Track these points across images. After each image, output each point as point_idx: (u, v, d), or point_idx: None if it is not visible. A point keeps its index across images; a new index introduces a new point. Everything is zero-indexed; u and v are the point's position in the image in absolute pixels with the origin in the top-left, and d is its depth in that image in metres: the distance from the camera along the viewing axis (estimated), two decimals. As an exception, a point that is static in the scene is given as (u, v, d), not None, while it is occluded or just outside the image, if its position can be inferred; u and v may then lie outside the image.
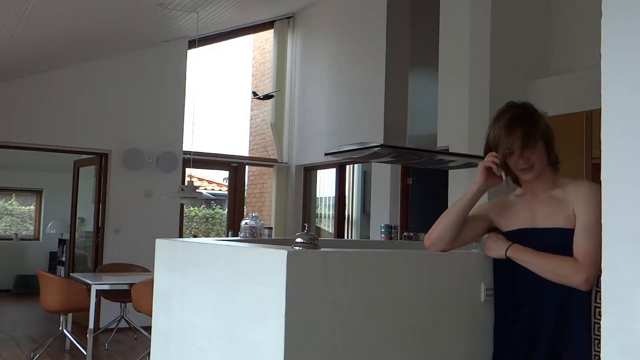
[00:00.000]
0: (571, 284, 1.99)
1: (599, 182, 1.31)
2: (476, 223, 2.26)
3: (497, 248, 2.16)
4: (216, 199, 14.31)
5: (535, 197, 2.17)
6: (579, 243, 1.99)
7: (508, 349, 2.15)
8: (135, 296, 5.43)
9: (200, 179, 14.23)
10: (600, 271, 1.91)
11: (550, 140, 2.15)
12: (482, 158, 2.22)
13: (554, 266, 2.04)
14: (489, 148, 2.20)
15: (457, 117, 5.18)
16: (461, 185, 5.02)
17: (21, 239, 11.83)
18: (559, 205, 2.08)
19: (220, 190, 14.42)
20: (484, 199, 2.38)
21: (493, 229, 2.27)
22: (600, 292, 1.95)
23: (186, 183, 7.65)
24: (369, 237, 6.99)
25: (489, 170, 2.18)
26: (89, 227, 8.10)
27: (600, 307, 1.93)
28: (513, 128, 2.11)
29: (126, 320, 6.51)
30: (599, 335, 1.92)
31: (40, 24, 5.70)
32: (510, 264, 2.14)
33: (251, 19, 8.56)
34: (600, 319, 1.93)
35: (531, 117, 2.15)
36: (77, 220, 8.58)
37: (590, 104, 4.01)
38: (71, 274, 7.09)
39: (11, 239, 11.73)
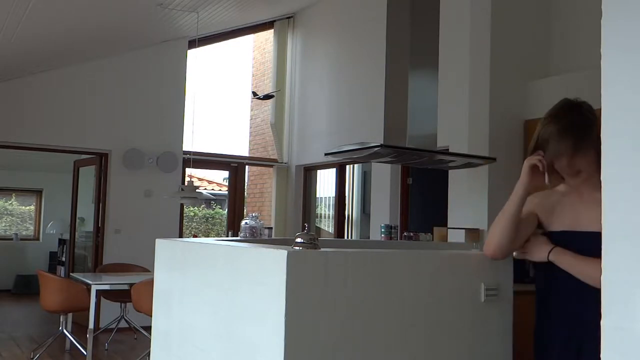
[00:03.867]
0: None
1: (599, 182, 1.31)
2: (528, 222, 2.19)
3: (540, 251, 2.13)
4: (216, 199, 14.31)
5: (580, 199, 2.12)
6: None
7: (549, 358, 2.12)
8: (135, 296, 5.42)
9: (200, 179, 14.23)
10: None
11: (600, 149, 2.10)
12: (482, 158, 2.23)
13: (593, 270, 2.00)
14: (536, 146, 2.14)
15: (457, 117, 5.18)
16: (461, 185, 5.02)
17: (21, 239, 11.83)
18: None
19: (220, 190, 14.42)
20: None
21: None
22: None
23: (186, 183, 7.65)
24: (369, 237, 6.99)
25: (534, 168, 2.12)
26: (89, 227, 8.10)
27: None
28: (566, 135, 2.06)
29: (126, 320, 6.51)
30: None
31: (40, 24, 5.70)
32: (552, 268, 2.10)
33: (251, 19, 8.56)
34: None
35: (587, 127, 2.08)
36: (77, 220, 8.58)
37: (590, 104, 4.01)
38: (71, 274, 7.09)
39: (11, 239, 11.73)
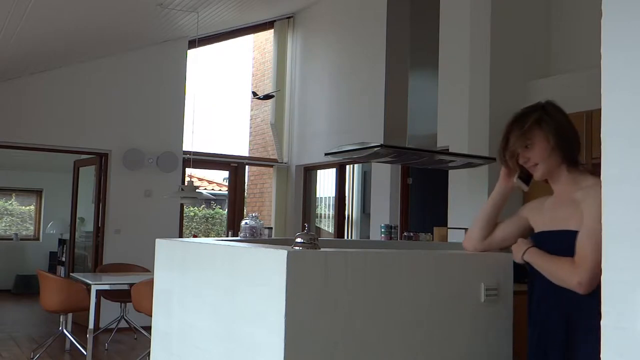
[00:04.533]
0: (569, 286, 1.97)
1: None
2: (509, 225, 2.25)
3: (517, 252, 2.16)
4: (216, 199, 14.31)
5: (559, 199, 2.15)
6: (578, 246, 1.98)
7: (531, 357, 2.15)
8: (135, 296, 5.42)
9: (200, 179, 14.23)
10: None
11: (559, 138, 2.10)
12: (482, 158, 2.25)
13: (555, 269, 2.03)
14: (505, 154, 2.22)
15: (457, 117, 5.18)
16: (461, 185, 5.02)
17: (21, 239, 11.83)
18: (577, 208, 2.04)
19: (220, 190, 14.41)
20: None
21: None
22: None
23: (186, 183, 7.65)
24: (369, 237, 6.99)
25: (505, 172, 2.23)
26: (89, 227, 8.10)
27: None
28: (511, 130, 2.15)
29: (126, 320, 6.51)
30: None
31: (40, 24, 5.70)
32: (532, 269, 2.13)
33: (251, 19, 8.56)
34: None
35: (526, 116, 2.15)
36: (77, 220, 8.58)
37: (590, 104, 4.01)
38: (71, 274, 7.09)
39: (11, 239, 11.73)
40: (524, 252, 2.13)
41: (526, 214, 2.24)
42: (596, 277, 1.92)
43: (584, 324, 1.97)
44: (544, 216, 2.16)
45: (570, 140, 2.13)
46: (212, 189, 14.38)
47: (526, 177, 2.20)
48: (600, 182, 2.03)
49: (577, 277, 1.93)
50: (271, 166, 8.96)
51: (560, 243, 2.04)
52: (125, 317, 6.49)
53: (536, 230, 2.18)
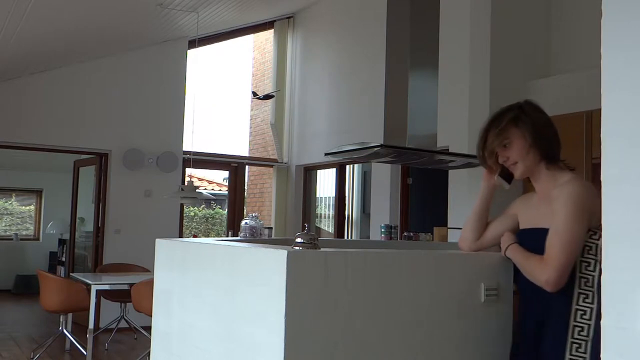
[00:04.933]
0: (539, 284, 2.00)
1: (599, 182, 1.31)
2: (501, 222, 2.27)
3: (502, 247, 2.19)
4: (216, 199, 14.31)
5: (539, 197, 2.17)
6: (547, 244, 2.00)
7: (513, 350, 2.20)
8: (135, 296, 5.42)
9: (200, 179, 14.23)
10: (571, 272, 1.94)
11: (536, 136, 2.11)
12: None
13: (528, 266, 2.06)
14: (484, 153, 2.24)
15: (457, 117, 5.18)
16: (461, 185, 5.02)
17: (21, 239, 11.83)
18: (551, 205, 2.06)
19: (220, 190, 14.41)
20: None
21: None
22: (583, 294, 1.95)
23: (186, 183, 7.65)
24: (369, 237, 6.99)
25: (486, 171, 2.25)
26: (89, 227, 8.10)
27: (582, 310, 1.93)
28: (488, 129, 2.16)
29: (126, 320, 6.51)
30: (579, 339, 1.92)
31: (40, 24, 5.70)
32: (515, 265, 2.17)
33: (251, 19, 8.56)
34: (581, 322, 1.93)
35: (504, 115, 2.16)
36: (77, 220, 8.58)
37: (590, 104, 4.01)
38: (71, 274, 7.09)
39: (11, 239, 11.73)
40: (506, 248, 2.16)
41: (515, 209, 2.26)
42: (563, 275, 1.93)
43: (553, 322, 2.00)
44: (527, 213, 2.18)
45: (548, 137, 2.14)
46: (212, 189, 14.39)
47: (508, 175, 2.20)
48: (574, 177, 2.05)
49: (545, 275, 1.96)
50: (271, 166, 8.96)
51: (535, 241, 2.06)
52: (125, 317, 6.49)
53: (520, 227, 2.21)
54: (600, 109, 1.30)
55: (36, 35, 6.07)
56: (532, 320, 2.08)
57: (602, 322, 1.25)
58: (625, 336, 1.20)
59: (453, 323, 2.15)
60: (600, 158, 1.30)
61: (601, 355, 1.24)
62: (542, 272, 1.97)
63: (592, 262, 1.96)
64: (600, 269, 1.93)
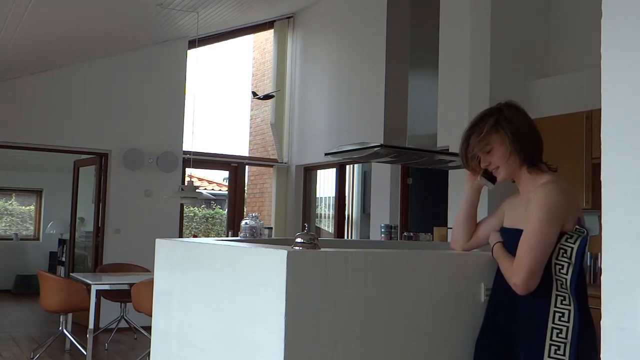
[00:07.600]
0: (511, 285, 2.02)
1: (599, 182, 1.31)
2: (492, 221, 2.28)
3: (490, 245, 2.21)
4: (216, 199, 14.31)
5: (522, 198, 2.18)
6: (518, 247, 2.02)
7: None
8: (135, 296, 5.42)
9: (200, 179, 14.23)
10: (548, 274, 1.94)
11: (517, 142, 2.11)
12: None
13: (501, 266, 2.09)
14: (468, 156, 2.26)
15: (457, 117, 5.18)
16: (461, 185, 5.02)
17: (21, 239, 11.83)
18: (528, 207, 2.07)
19: (220, 190, 14.41)
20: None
21: None
22: (560, 296, 1.95)
23: (186, 183, 7.65)
24: (369, 237, 6.99)
25: (469, 173, 2.29)
26: (89, 227, 8.10)
27: (560, 312, 1.93)
28: (470, 134, 2.17)
29: (126, 320, 6.51)
30: (558, 342, 1.92)
31: (40, 24, 5.70)
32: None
33: (251, 19, 8.56)
34: (559, 324, 1.93)
35: (484, 121, 2.15)
36: (77, 220, 8.58)
37: (590, 104, 4.01)
38: (71, 274, 7.09)
39: (11, 239, 11.73)
40: (492, 247, 2.18)
41: (505, 207, 2.28)
42: (530, 279, 1.95)
43: (532, 321, 2.00)
44: (511, 212, 2.20)
45: (529, 141, 2.14)
46: (212, 189, 14.38)
47: (492, 175, 2.21)
48: (550, 181, 2.06)
49: (514, 278, 1.99)
50: (271, 166, 8.96)
51: (512, 242, 2.08)
52: (125, 317, 6.49)
53: (504, 225, 2.22)
54: (600, 109, 1.30)
55: (36, 35, 6.07)
56: (508, 322, 2.07)
57: (602, 322, 1.25)
58: (625, 336, 1.20)
59: (453, 323, 2.15)
60: (600, 158, 1.30)
61: (601, 356, 1.24)
62: (512, 274, 2.01)
63: (566, 265, 1.98)
64: (573, 272, 1.95)
